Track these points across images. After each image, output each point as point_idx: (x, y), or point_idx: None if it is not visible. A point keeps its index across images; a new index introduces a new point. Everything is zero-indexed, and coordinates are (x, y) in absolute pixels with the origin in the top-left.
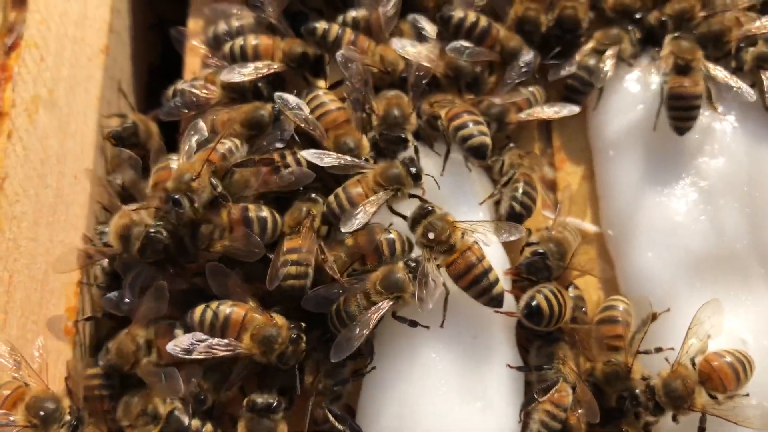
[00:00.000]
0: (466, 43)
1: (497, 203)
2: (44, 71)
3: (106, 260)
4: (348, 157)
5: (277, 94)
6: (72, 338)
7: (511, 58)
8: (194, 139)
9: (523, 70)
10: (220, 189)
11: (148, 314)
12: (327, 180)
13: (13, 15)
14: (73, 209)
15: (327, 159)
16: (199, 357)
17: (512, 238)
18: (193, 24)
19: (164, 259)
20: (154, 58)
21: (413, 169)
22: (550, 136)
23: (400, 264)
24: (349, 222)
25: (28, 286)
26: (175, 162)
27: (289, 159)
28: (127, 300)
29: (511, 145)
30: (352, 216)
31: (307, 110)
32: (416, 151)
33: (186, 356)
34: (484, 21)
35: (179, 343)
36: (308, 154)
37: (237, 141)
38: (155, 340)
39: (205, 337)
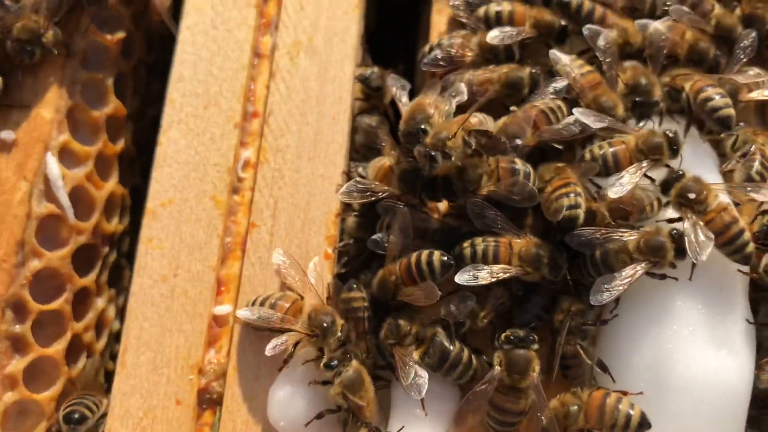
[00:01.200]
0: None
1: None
2: (303, 19)
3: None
4: (613, 119)
5: (551, 51)
6: (331, 263)
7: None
8: (455, 100)
9: (749, 49)
10: (473, 148)
11: (396, 249)
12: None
13: None
14: (332, 147)
15: (595, 121)
16: (485, 282)
17: (762, 199)
18: None
19: (418, 203)
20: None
21: (674, 143)
22: (765, 120)
23: (665, 229)
24: (616, 187)
25: (291, 213)
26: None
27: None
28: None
29: (741, 123)
30: (618, 181)
31: (575, 67)
32: (661, 114)
33: (475, 282)
34: None
35: (462, 273)
36: (579, 113)
37: (487, 117)
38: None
39: (482, 266)
